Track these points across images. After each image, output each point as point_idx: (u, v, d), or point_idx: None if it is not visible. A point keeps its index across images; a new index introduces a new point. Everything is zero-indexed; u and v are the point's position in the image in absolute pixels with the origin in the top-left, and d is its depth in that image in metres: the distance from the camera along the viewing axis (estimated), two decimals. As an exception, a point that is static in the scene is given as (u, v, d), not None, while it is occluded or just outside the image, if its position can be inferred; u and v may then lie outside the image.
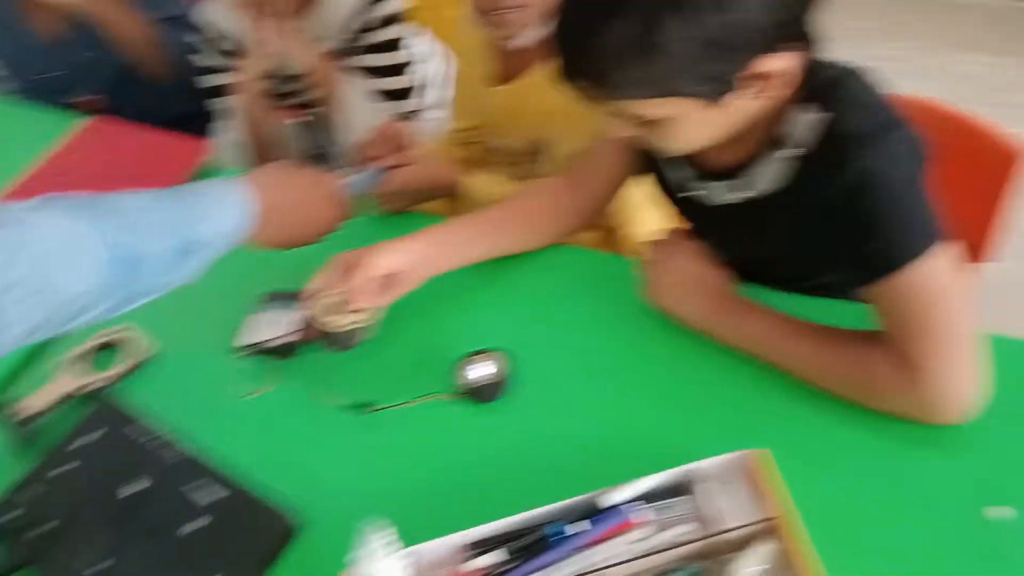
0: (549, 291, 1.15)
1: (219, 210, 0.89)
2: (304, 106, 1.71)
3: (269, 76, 1.61)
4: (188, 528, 0.91)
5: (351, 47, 1.55)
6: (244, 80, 1.56)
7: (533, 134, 1.35)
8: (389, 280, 1.05)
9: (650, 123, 0.84)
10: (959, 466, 0.88)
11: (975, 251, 1.37)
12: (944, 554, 0.82)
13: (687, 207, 1.07)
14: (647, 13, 0.73)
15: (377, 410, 1.01)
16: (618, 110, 0.84)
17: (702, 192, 1.02)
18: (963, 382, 0.86)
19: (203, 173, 1.46)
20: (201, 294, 1.20)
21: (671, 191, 1.09)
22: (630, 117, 0.85)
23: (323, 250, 1.06)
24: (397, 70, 1.58)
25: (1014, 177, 1.25)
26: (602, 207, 1.20)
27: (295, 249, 1.04)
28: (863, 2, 3.06)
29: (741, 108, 0.85)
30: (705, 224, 1.08)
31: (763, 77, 0.80)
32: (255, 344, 1.08)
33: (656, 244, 1.08)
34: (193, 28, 1.65)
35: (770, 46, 0.78)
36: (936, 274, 0.85)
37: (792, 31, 0.79)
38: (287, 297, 1.14)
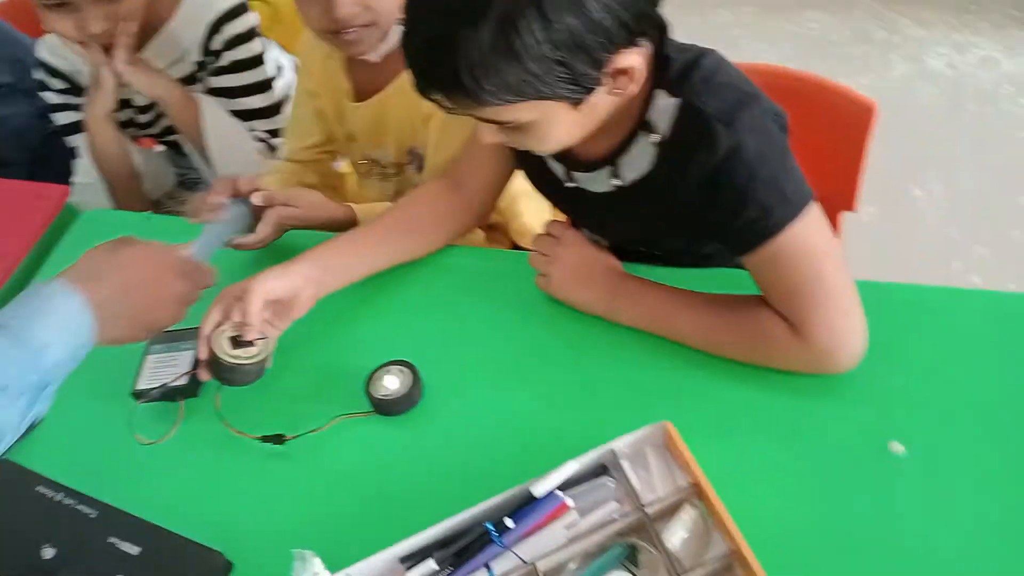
0: (445, 294, 1.15)
1: (58, 338, 0.83)
2: (162, 135, 1.66)
3: (121, 108, 1.56)
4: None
5: (206, 69, 1.51)
6: (90, 117, 1.50)
7: (407, 143, 1.34)
8: (280, 307, 1.04)
9: (517, 127, 0.86)
10: (853, 409, 0.93)
11: (837, 203, 1.45)
12: (849, 495, 0.87)
13: (564, 198, 1.10)
14: (503, 19, 0.74)
15: (290, 439, 0.99)
16: (484, 115, 0.84)
17: (576, 183, 1.04)
18: (849, 331, 0.91)
19: (64, 217, 1.40)
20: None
21: (546, 184, 1.11)
22: (496, 122, 0.86)
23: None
24: (257, 88, 1.54)
25: (868, 129, 1.32)
26: (488, 205, 1.21)
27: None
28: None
29: (604, 104, 0.88)
30: (584, 213, 1.10)
31: (622, 72, 0.83)
32: (156, 387, 1.05)
33: (542, 237, 1.10)
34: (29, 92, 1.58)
35: (626, 42, 0.80)
36: (809, 233, 0.90)
37: (644, 24, 0.82)
38: (173, 336, 1.10)
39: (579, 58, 0.78)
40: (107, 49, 1.40)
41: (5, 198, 1.42)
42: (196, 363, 1.04)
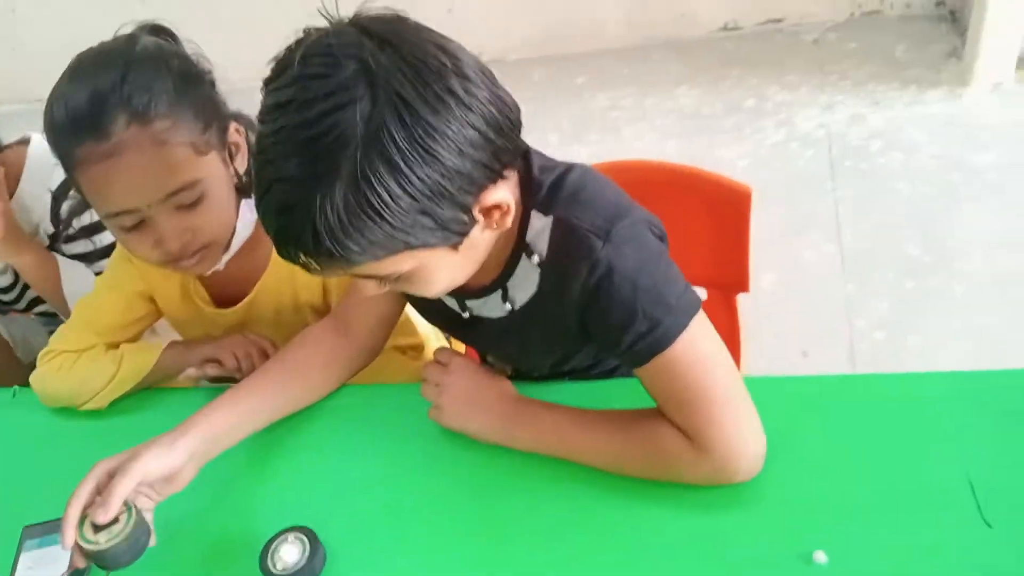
0: (339, 440, 1.09)
1: None
2: (29, 307, 1.58)
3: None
4: None
5: (60, 239, 1.44)
6: None
7: (289, 326, 1.26)
8: (159, 483, 0.97)
9: (398, 277, 0.82)
10: (767, 520, 0.90)
11: (731, 287, 1.46)
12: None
13: (462, 328, 1.06)
14: (354, 177, 0.71)
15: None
16: (362, 272, 0.80)
17: (472, 312, 1.01)
18: (746, 438, 0.89)
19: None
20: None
21: (441, 316, 1.07)
22: (375, 277, 0.82)
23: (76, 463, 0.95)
24: (110, 250, 1.47)
25: (747, 213, 1.33)
26: (379, 343, 1.16)
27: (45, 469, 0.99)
28: (574, 62, 3.25)
29: (485, 240, 0.85)
30: (484, 340, 1.07)
31: (493, 208, 0.81)
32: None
33: (431, 365, 1.06)
34: None
35: (488, 180, 0.78)
36: (697, 342, 0.88)
37: (505, 158, 0.80)
38: (48, 528, 1.03)
39: (442, 205, 0.74)
40: None
41: None
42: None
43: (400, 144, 0.71)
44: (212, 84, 1.08)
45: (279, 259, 1.16)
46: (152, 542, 0.94)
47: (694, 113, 2.91)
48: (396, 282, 0.84)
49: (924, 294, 2.17)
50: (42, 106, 1.02)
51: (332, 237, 0.73)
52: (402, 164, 0.71)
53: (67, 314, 1.42)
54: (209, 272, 1.16)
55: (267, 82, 0.76)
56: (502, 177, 0.80)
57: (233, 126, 1.10)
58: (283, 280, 1.22)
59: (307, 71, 0.73)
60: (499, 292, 0.96)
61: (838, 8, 3.15)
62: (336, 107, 0.71)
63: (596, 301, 0.88)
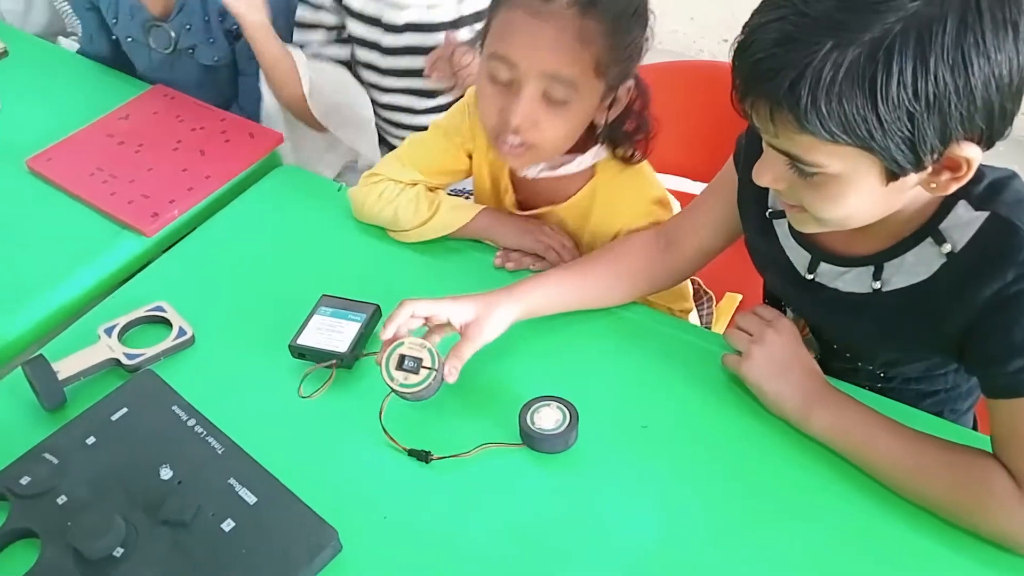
0: (617, 346, 1.08)
1: None
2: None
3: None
4: (228, 525, 0.86)
5: None
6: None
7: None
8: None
9: (811, 177, 0.79)
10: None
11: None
12: None
13: (789, 283, 1.02)
14: (877, 47, 0.68)
15: (435, 459, 0.95)
16: (791, 146, 0.77)
17: (816, 278, 0.98)
18: None
19: (269, 162, 1.42)
20: (243, 286, 1.19)
21: (774, 268, 1.04)
22: (798, 160, 0.78)
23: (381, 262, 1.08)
24: None
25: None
26: (690, 272, 1.15)
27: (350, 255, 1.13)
28: None
29: (907, 197, 0.82)
30: (809, 304, 1.03)
31: (952, 165, 0.76)
32: (318, 348, 1.03)
33: (750, 316, 1.03)
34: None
35: (977, 133, 0.73)
36: None
37: (1000, 126, 0.74)
38: (345, 304, 1.10)
39: (931, 123, 0.70)
40: None
41: (228, 128, 1.47)
42: (357, 339, 1.04)
43: (944, 39, 0.67)
44: (645, 35, 1.07)
45: (580, 199, 1.22)
46: (429, 395, 0.97)
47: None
48: (804, 180, 0.80)
49: None
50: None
51: (813, 89, 0.70)
52: (932, 58, 0.68)
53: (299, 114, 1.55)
54: (520, 173, 1.18)
55: None
56: (986, 141, 0.75)
57: (630, 82, 1.09)
58: (577, 217, 1.23)
59: None
60: (871, 267, 0.92)
61: None
62: None
63: (1004, 310, 0.82)
